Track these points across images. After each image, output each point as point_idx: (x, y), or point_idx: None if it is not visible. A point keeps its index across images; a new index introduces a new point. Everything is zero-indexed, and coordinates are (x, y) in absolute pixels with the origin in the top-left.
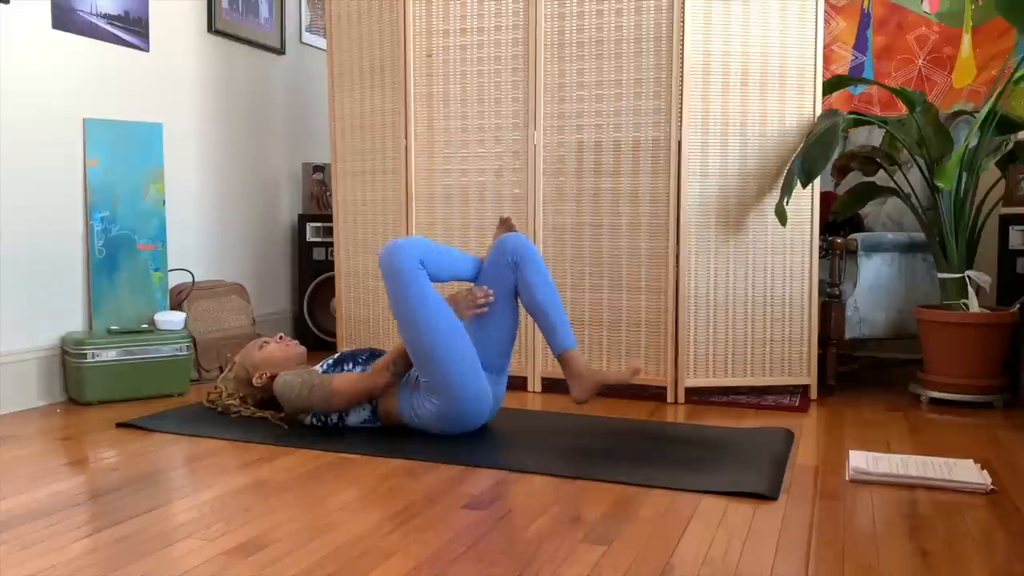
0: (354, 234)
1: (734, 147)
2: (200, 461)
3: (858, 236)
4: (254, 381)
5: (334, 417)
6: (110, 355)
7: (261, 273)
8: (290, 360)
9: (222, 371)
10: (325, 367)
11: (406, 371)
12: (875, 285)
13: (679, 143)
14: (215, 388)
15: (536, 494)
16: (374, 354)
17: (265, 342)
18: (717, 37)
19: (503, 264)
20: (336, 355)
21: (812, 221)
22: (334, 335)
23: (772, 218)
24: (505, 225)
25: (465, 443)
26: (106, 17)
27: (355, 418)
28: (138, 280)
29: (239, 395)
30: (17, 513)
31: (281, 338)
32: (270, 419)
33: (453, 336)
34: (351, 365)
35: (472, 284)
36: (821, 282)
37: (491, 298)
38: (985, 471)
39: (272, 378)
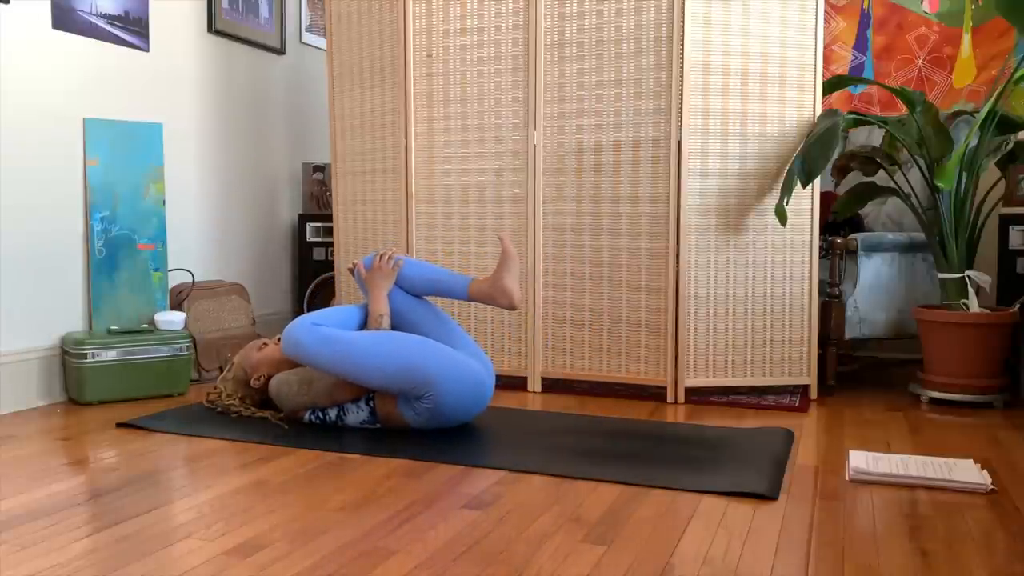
0: (354, 234)
1: (734, 147)
2: (200, 461)
3: (858, 236)
4: (252, 382)
5: (332, 414)
6: (110, 355)
7: (261, 273)
8: (288, 361)
9: (222, 371)
10: None
11: None
12: (875, 285)
13: (679, 143)
14: (215, 388)
15: (536, 494)
16: None
17: (264, 343)
18: (717, 37)
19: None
20: None
21: (812, 221)
22: None
23: (772, 218)
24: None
25: (465, 443)
26: (106, 17)
27: (354, 418)
28: (138, 280)
29: (238, 396)
30: (17, 513)
31: (280, 340)
32: (270, 419)
33: (398, 344)
34: None
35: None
36: (821, 282)
37: (394, 251)
38: (985, 471)
39: (269, 379)
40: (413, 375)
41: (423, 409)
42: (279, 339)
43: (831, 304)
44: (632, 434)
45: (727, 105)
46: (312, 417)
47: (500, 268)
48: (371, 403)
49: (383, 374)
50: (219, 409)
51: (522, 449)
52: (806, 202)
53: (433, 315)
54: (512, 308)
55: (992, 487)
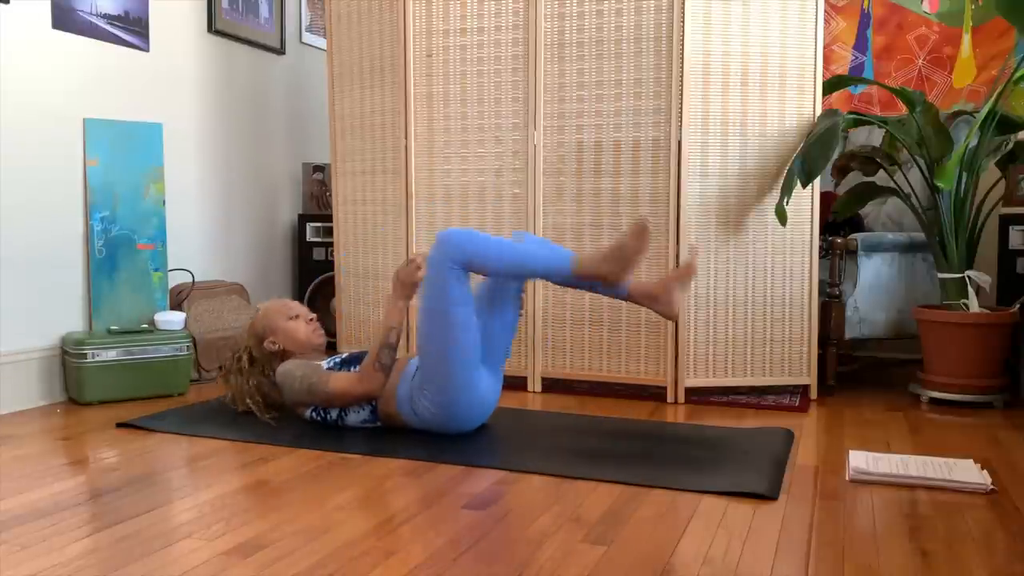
0: (354, 234)
1: (734, 147)
2: (200, 461)
3: (858, 236)
4: (265, 344)
5: (333, 414)
6: (110, 355)
7: (261, 273)
8: (307, 347)
9: (222, 371)
10: (331, 364)
11: (393, 362)
12: (875, 285)
13: (679, 143)
14: (231, 357)
15: (536, 494)
16: None
17: (297, 316)
18: (717, 37)
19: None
20: (345, 355)
21: (812, 221)
22: (334, 335)
23: (772, 218)
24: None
25: (465, 443)
26: (106, 17)
27: (355, 418)
28: (138, 280)
29: (247, 348)
30: (17, 513)
31: (312, 321)
32: (257, 415)
33: (468, 334)
34: (357, 367)
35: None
36: (821, 282)
37: (421, 262)
38: (985, 471)
39: (282, 352)
40: (439, 369)
41: (423, 408)
42: (311, 320)
43: (831, 304)
44: (632, 434)
45: (727, 105)
46: (313, 414)
47: (677, 277)
48: (372, 402)
49: (428, 341)
50: (229, 399)
51: (522, 449)
52: (806, 202)
53: (500, 327)
54: (672, 317)
55: (992, 487)
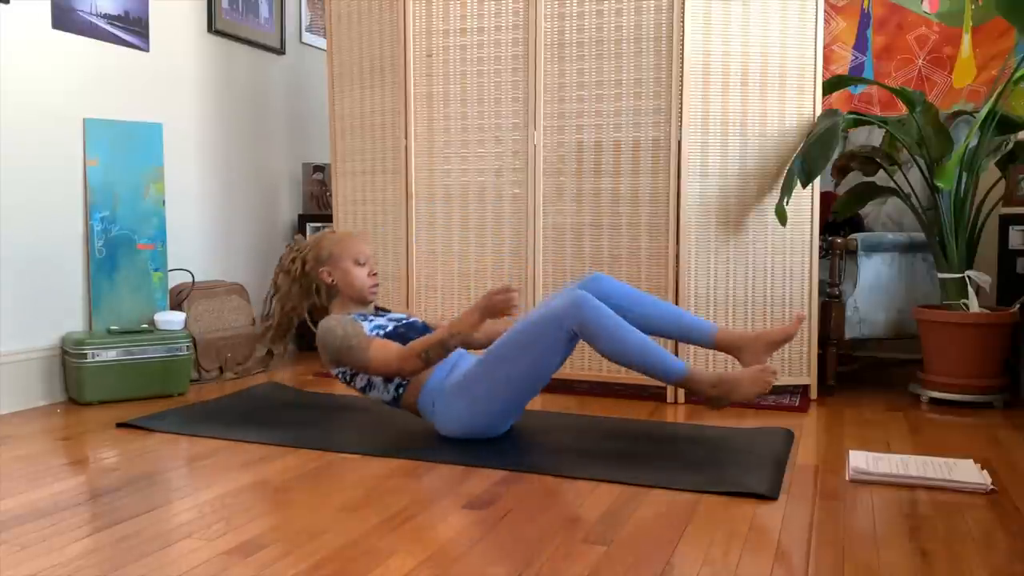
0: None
1: (734, 147)
2: (200, 461)
3: (858, 236)
4: (321, 271)
5: (360, 382)
6: (110, 355)
7: (261, 273)
8: (359, 299)
9: (222, 371)
10: (375, 329)
11: (438, 361)
12: (875, 285)
13: (679, 143)
14: (292, 255)
15: (536, 494)
16: (427, 328)
17: (364, 264)
18: (717, 37)
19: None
20: (390, 326)
21: (812, 221)
22: None
23: (772, 218)
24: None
25: (465, 443)
26: (106, 17)
27: (377, 394)
28: (138, 280)
29: (303, 259)
30: (17, 513)
31: (374, 276)
32: (276, 333)
33: (537, 383)
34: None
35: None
36: (821, 282)
37: (516, 301)
38: (985, 471)
39: (329, 288)
40: (492, 389)
41: (445, 406)
42: (374, 274)
43: (831, 304)
44: (632, 434)
45: (727, 105)
46: (341, 375)
47: (772, 338)
48: (400, 390)
49: (500, 364)
50: (269, 315)
51: (522, 449)
52: (806, 202)
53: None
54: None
55: (992, 487)
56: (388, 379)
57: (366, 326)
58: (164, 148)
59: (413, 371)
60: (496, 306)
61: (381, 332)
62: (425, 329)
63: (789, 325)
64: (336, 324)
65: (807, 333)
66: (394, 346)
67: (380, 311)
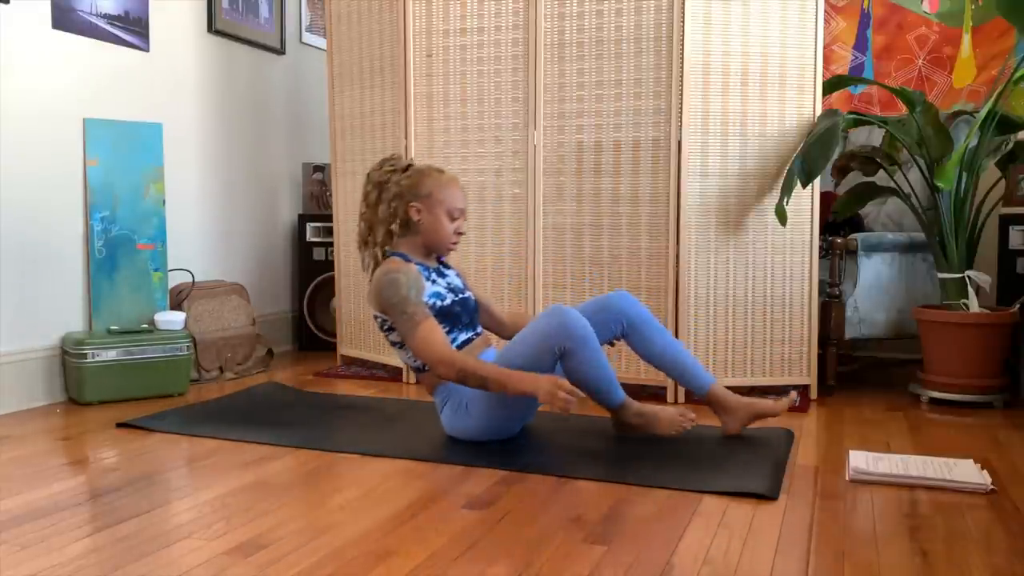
0: (354, 234)
1: (734, 147)
2: (200, 461)
3: (858, 236)
4: (411, 204)
5: (394, 337)
6: (110, 355)
7: (261, 273)
8: (436, 249)
9: (222, 371)
10: (434, 301)
11: (465, 384)
12: (875, 285)
13: (679, 143)
14: (390, 167)
15: (536, 494)
16: (476, 310)
17: (456, 219)
18: (717, 37)
19: (610, 321)
20: (449, 299)
21: (812, 221)
22: (334, 335)
23: (772, 218)
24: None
25: (465, 443)
26: (106, 17)
27: (406, 356)
28: (138, 280)
29: (398, 182)
30: (17, 513)
31: (460, 233)
32: (368, 241)
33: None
34: (452, 326)
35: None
36: (821, 282)
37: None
38: (985, 471)
39: (408, 224)
40: (498, 421)
41: (450, 413)
42: (460, 236)
43: (831, 304)
44: (632, 434)
45: (727, 105)
46: (381, 322)
47: (758, 410)
48: (427, 367)
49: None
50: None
51: (522, 449)
52: (806, 202)
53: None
54: (726, 433)
55: (992, 487)
56: (410, 358)
57: (427, 289)
58: (164, 148)
59: (441, 376)
60: (555, 400)
61: (438, 303)
62: (475, 311)
63: (779, 403)
64: (403, 280)
65: (807, 333)
66: (440, 339)
67: (442, 266)
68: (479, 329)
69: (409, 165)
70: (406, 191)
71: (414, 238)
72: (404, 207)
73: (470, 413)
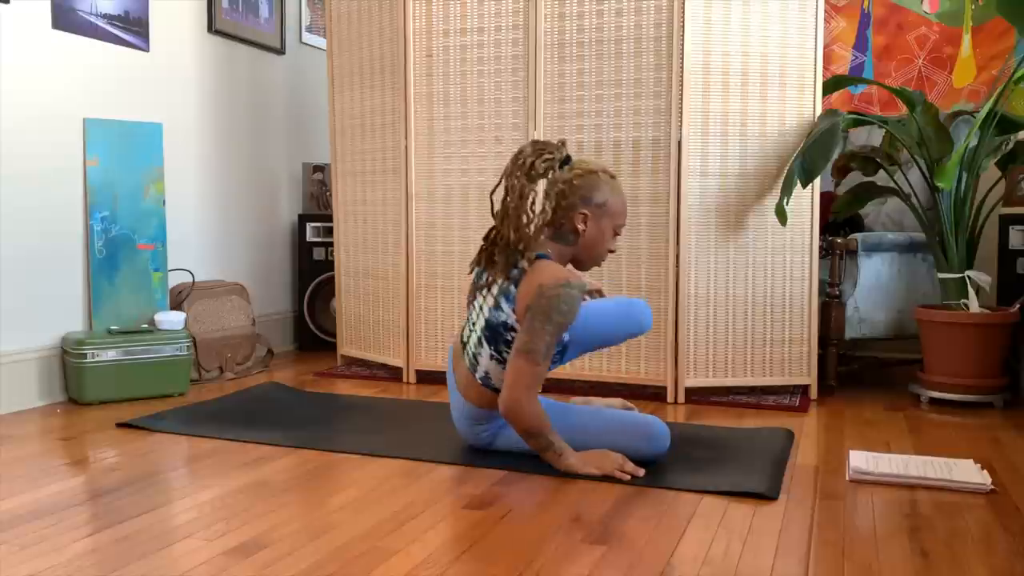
0: (354, 234)
1: (734, 147)
2: (200, 461)
3: (858, 236)
4: (577, 211)
5: (509, 335)
6: (110, 355)
7: (261, 273)
8: (587, 260)
9: (222, 371)
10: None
11: (522, 437)
12: (875, 285)
13: (679, 143)
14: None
15: (536, 494)
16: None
17: (616, 236)
18: (717, 37)
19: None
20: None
21: (812, 221)
22: (334, 335)
23: (772, 218)
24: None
25: (465, 443)
26: (106, 17)
27: (484, 365)
28: (138, 280)
29: (566, 180)
30: (17, 513)
31: (611, 251)
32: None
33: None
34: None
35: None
36: (821, 282)
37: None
38: (985, 471)
39: (572, 230)
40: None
41: (466, 419)
42: (612, 252)
43: (831, 304)
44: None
45: (727, 105)
46: (502, 327)
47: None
48: (489, 382)
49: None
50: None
51: (522, 449)
52: (806, 202)
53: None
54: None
55: (992, 487)
56: (496, 376)
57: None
58: (164, 148)
59: (503, 414)
60: (611, 474)
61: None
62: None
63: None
64: (573, 306)
65: (807, 333)
66: (536, 389)
67: None
68: None
69: (568, 157)
70: (576, 194)
71: (564, 246)
72: (570, 211)
73: (495, 445)
